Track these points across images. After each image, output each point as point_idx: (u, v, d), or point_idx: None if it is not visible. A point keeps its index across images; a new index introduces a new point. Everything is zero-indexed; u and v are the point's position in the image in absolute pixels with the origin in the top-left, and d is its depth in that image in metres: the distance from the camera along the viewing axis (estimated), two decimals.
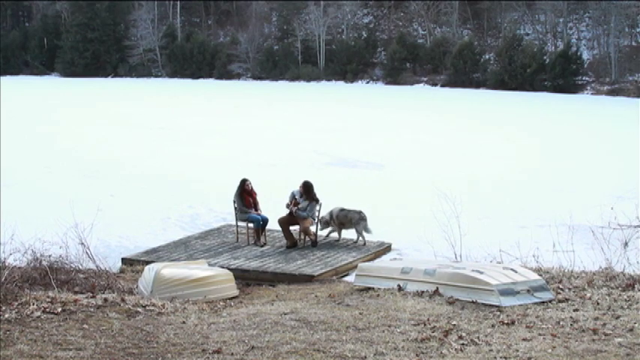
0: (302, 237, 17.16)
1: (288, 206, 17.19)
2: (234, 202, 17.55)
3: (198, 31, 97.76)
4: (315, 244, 17.04)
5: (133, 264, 15.66)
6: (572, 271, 12.85)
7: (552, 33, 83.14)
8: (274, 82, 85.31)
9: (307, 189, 17.16)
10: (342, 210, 17.53)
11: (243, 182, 17.59)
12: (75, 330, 9.42)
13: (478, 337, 8.98)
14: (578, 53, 76.27)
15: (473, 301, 10.75)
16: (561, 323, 9.58)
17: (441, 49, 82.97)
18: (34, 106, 56.80)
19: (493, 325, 9.60)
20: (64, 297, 10.76)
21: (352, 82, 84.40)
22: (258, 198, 17.75)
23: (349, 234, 17.79)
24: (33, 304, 10.21)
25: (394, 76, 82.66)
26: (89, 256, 13.41)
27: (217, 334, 9.39)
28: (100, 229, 15.36)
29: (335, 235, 17.74)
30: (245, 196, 17.48)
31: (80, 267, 13.01)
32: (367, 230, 17.40)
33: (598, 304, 10.51)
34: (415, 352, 8.48)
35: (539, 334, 9.12)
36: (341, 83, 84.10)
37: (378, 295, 11.60)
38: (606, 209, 14.99)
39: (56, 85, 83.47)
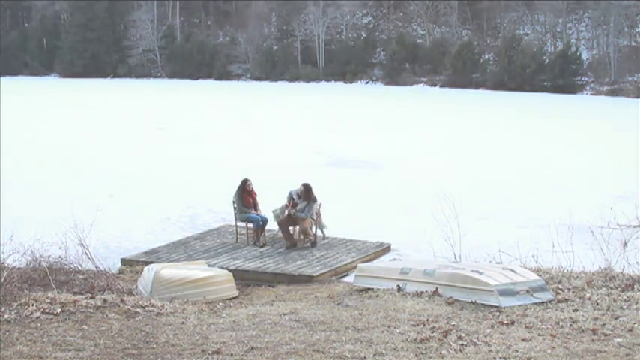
0: (301, 237, 17.15)
1: (286, 207, 17.19)
2: (234, 202, 17.55)
3: (197, 32, 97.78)
4: (314, 244, 17.04)
5: (132, 264, 15.64)
6: (571, 272, 12.84)
7: (552, 33, 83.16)
8: (274, 83, 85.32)
9: (307, 191, 17.16)
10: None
11: (244, 182, 17.59)
12: (74, 330, 9.42)
13: (477, 338, 8.98)
14: (578, 53, 76.30)
15: (472, 302, 10.75)
16: (560, 323, 9.57)
17: (441, 49, 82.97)
18: (34, 106, 56.79)
19: (492, 326, 9.60)
20: (64, 297, 10.75)
21: (352, 82, 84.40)
22: (258, 198, 17.74)
23: (348, 233, 17.77)
24: (32, 304, 10.20)
25: (393, 77, 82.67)
26: (88, 257, 13.40)
27: (217, 335, 9.39)
28: (99, 229, 15.36)
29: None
30: (245, 197, 17.48)
31: (79, 267, 13.00)
32: (322, 226, 17.48)
33: (597, 304, 10.50)
34: (414, 353, 8.47)
35: (539, 335, 9.11)
36: (340, 83, 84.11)
37: (378, 296, 11.59)
38: (606, 209, 14.99)
39: (55, 85, 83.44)
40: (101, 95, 68.03)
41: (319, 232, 17.55)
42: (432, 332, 9.21)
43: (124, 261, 16.06)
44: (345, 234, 17.83)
